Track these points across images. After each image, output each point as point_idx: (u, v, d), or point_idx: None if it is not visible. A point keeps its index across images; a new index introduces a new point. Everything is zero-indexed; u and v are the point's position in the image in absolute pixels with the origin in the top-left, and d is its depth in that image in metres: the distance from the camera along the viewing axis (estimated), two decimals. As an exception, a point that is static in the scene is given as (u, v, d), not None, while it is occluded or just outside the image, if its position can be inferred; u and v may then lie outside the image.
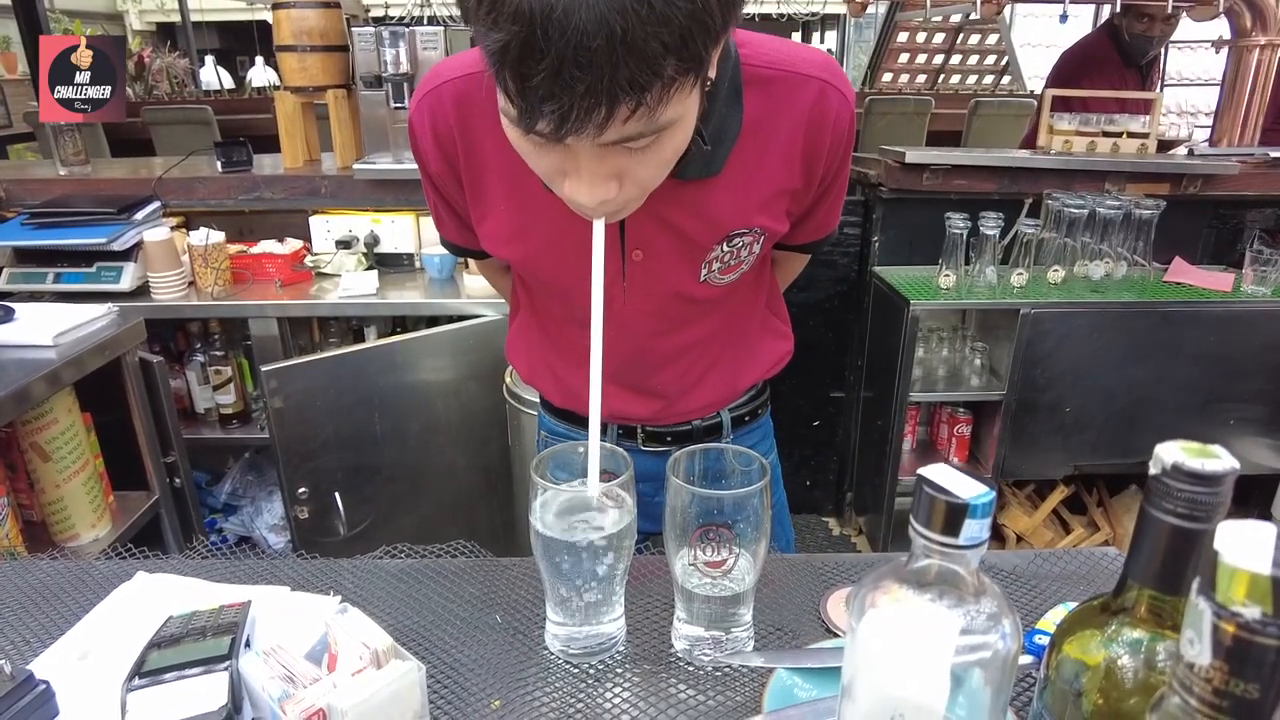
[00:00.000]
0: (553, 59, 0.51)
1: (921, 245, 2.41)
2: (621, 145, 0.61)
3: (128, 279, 2.10)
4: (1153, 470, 0.42)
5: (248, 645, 0.71)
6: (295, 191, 2.39)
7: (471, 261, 2.17)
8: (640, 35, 0.51)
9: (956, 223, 2.20)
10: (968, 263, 2.25)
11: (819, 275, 2.58)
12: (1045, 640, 0.73)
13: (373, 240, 2.32)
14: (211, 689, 0.64)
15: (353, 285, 2.16)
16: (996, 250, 2.21)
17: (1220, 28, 2.64)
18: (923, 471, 0.44)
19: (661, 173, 0.69)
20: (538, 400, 1.13)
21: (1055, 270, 2.26)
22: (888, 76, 6.29)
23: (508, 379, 1.98)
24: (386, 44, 2.23)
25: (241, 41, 10.17)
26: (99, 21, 9.55)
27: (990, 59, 6.29)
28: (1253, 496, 2.42)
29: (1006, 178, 2.37)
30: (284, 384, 1.85)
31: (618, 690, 0.72)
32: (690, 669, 0.75)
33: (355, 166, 2.31)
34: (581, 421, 1.06)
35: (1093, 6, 3.15)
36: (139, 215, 2.17)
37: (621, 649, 0.77)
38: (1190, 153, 2.55)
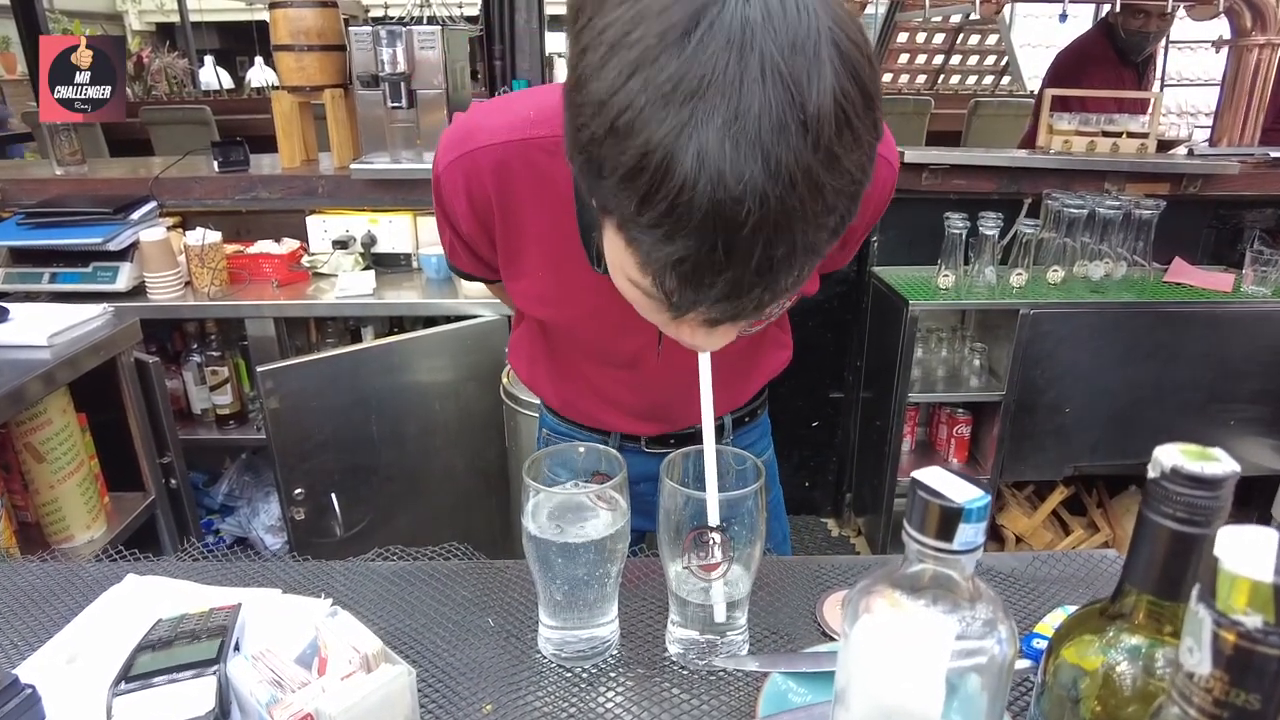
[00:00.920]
0: (734, 274, 0.49)
1: (921, 245, 2.40)
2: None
3: (124, 279, 2.09)
4: (1151, 473, 0.41)
5: (237, 649, 0.70)
6: (292, 191, 2.38)
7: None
8: (815, 238, 0.49)
9: (956, 223, 2.19)
10: (967, 263, 2.24)
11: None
12: (1043, 644, 0.72)
13: (370, 240, 2.31)
14: (200, 693, 0.63)
15: (350, 285, 2.15)
16: (996, 250, 2.20)
17: (1220, 27, 2.64)
18: (917, 475, 0.43)
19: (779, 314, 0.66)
20: (535, 400, 1.12)
21: (1055, 270, 2.25)
22: (887, 76, 6.27)
23: (505, 380, 1.97)
24: (384, 43, 2.22)
25: (241, 42, 10.17)
26: (98, 22, 9.55)
27: (990, 59, 6.28)
28: (1253, 498, 2.41)
29: (1006, 178, 2.37)
30: (280, 384, 1.84)
31: (611, 694, 0.71)
32: (684, 673, 0.74)
33: (352, 166, 2.31)
34: (583, 425, 1.05)
35: (1092, 6, 3.14)
36: (135, 215, 2.17)
37: (615, 652, 0.76)
38: (1190, 153, 2.54)
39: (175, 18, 9.86)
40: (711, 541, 0.69)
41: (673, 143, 0.45)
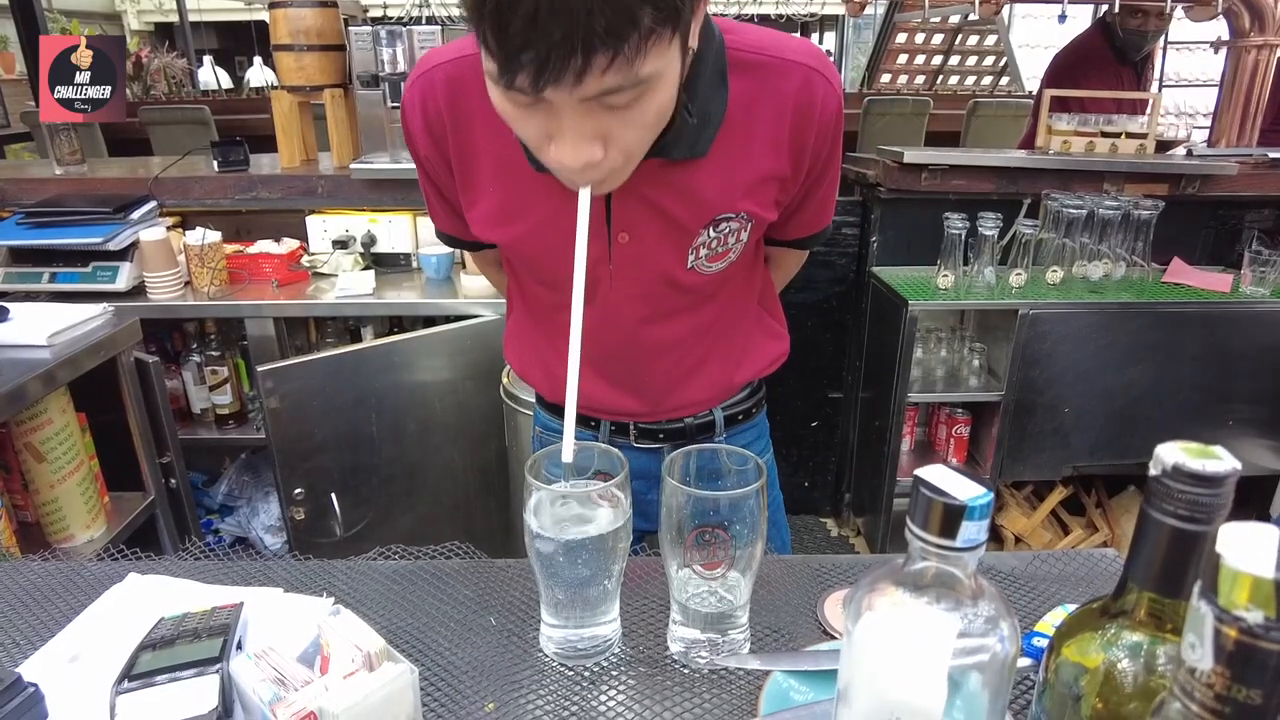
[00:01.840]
0: (528, 6, 0.53)
1: (920, 245, 2.41)
2: (603, 104, 0.61)
3: (123, 279, 2.09)
4: (1153, 471, 0.41)
5: (239, 647, 0.70)
6: (292, 191, 2.38)
7: (469, 260, 2.18)
8: None
9: (955, 223, 2.20)
10: (966, 263, 2.25)
11: (817, 276, 2.57)
12: (1044, 643, 0.73)
13: (369, 240, 2.31)
14: (202, 692, 0.63)
15: (349, 285, 2.15)
16: (995, 250, 2.21)
17: (1218, 29, 2.64)
18: (920, 472, 0.44)
19: (645, 138, 0.69)
20: (532, 400, 1.13)
21: (1054, 271, 2.26)
22: (886, 77, 6.29)
23: (505, 379, 1.97)
24: (384, 43, 2.23)
25: (240, 42, 10.17)
26: (97, 21, 9.54)
27: (989, 60, 6.29)
28: (1252, 497, 2.42)
29: (1005, 178, 2.37)
30: (280, 384, 1.84)
31: (613, 693, 0.72)
32: (686, 671, 0.74)
33: (352, 166, 2.31)
34: (577, 417, 1.05)
35: (1091, 6, 3.14)
36: (135, 215, 2.16)
37: (617, 651, 0.77)
38: (1189, 153, 2.54)
39: (174, 17, 9.85)
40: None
41: None
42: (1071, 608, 0.68)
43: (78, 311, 1.65)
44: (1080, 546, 2.43)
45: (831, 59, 0.88)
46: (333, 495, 1.94)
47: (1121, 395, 2.26)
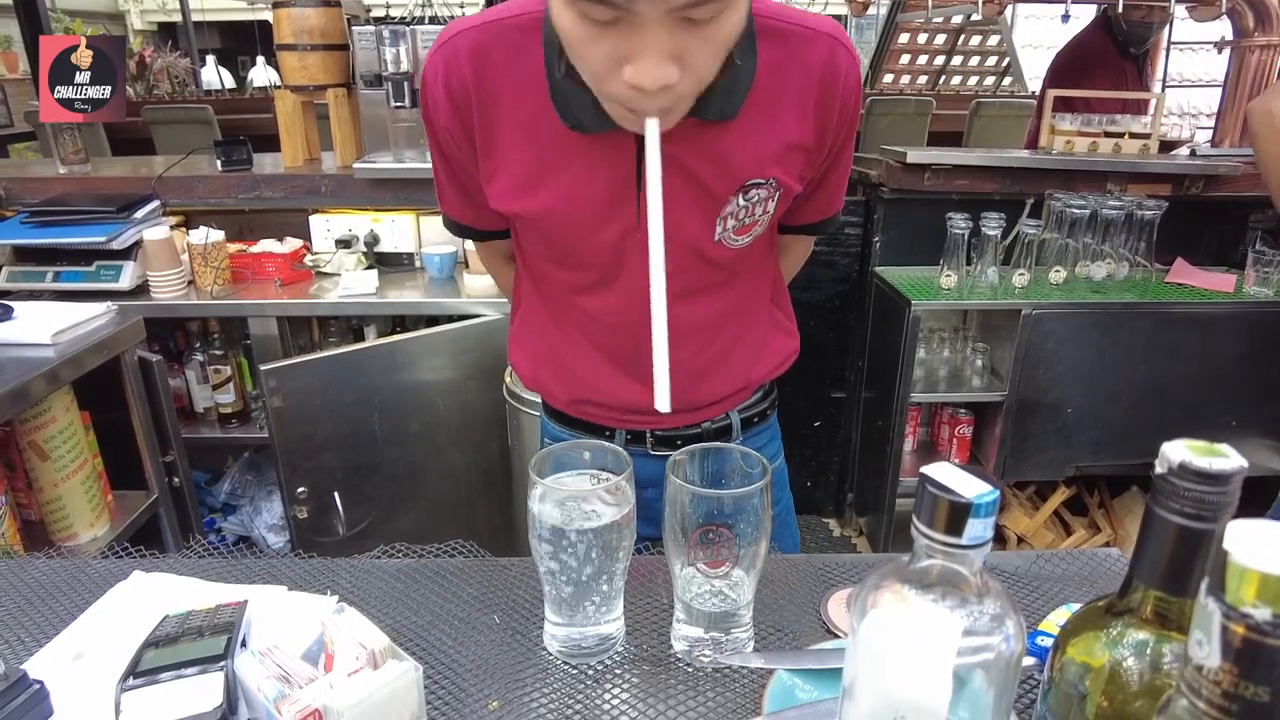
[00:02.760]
0: None
1: (923, 245, 2.41)
2: (686, 18, 0.61)
3: (127, 278, 2.09)
4: (1159, 469, 0.41)
5: (244, 645, 0.71)
6: (295, 190, 2.39)
7: (472, 260, 2.18)
8: None
9: (958, 223, 2.20)
10: (969, 263, 2.25)
11: (820, 276, 2.57)
12: (1047, 642, 0.73)
13: (372, 239, 2.32)
14: (207, 689, 0.63)
15: (352, 284, 2.16)
16: (998, 251, 2.20)
17: (1222, 29, 2.64)
18: (926, 470, 0.44)
19: (716, 61, 0.68)
20: (535, 400, 1.12)
21: (1057, 271, 2.25)
22: (889, 77, 6.28)
23: (507, 379, 1.97)
24: (387, 43, 2.23)
25: (243, 41, 10.18)
26: (100, 21, 9.56)
27: (991, 60, 6.28)
28: (1254, 499, 2.41)
29: (1008, 178, 2.37)
30: (283, 383, 1.84)
31: (617, 691, 0.72)
32: (690, 670, 0.74)
33: (355, 166, 2.31)
34: (586, 426, 1.04)
35: (1094, 6, 3.14)
36: (138, 214, 2.17)
37: (620, 650, 0.77)
38: (1192, 153, 2.54)
39: (177, 17, 9.87)
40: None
41: None
42: (1075, 607, 0.68)
43: (81, 310, 1.65)
44: (1083, 547, 2.42)
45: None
46: (335, 494, 1.95)
47: (1124, 396, 2.25)
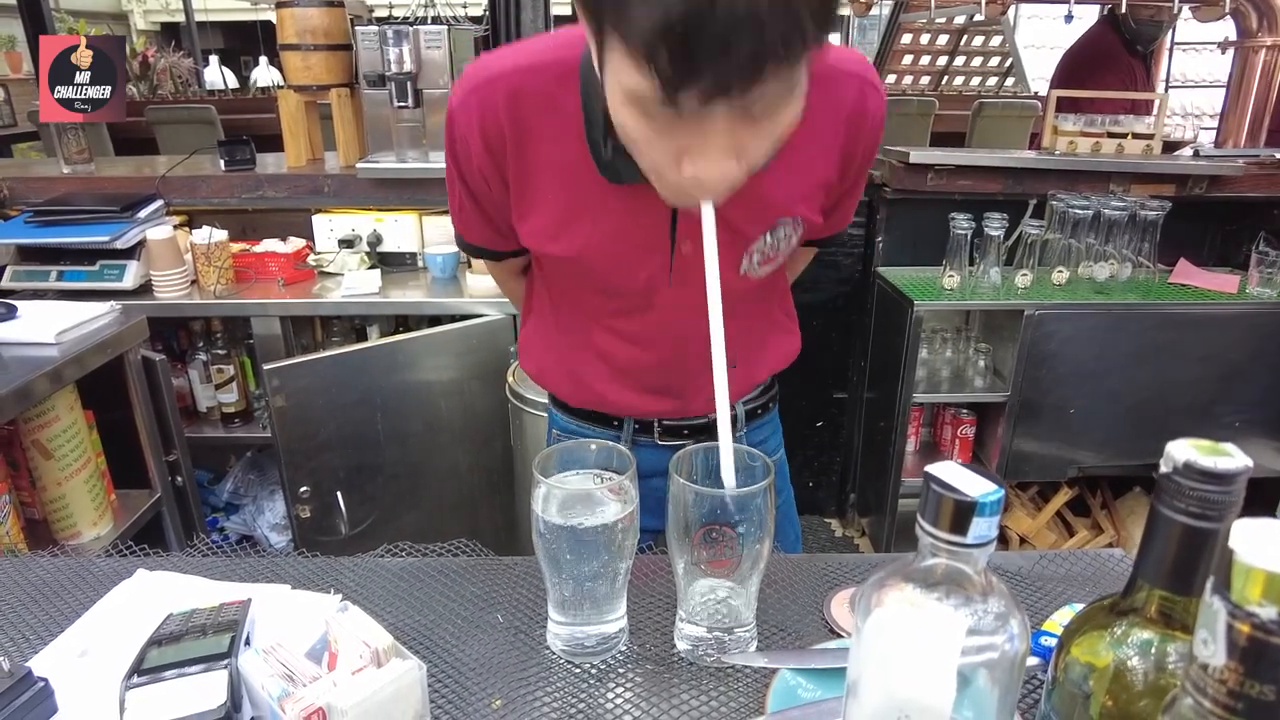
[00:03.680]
0: (722, 29, 0.52)
1: (925, 246, 2.40)
2: (749, 115, 0.61)
3: (130, 277, 2.10)
4: (1163, 468, 0.41)
5: (248, 643, 0.71)
6: (298, 190, 2.39)
7: (475, 261, 2.18)
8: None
9: (961, 223, 2.19)
10: (972, 263, 2.24)
11: (823, 276, 2.57)
12: (1050, 642, 0.73)
13: (375, 239, 2.32)
14: (211, 687, 0.63)
15: (355, 284, 2.16)
16: (1001, 251, 2.20)
17: (1225, 29, 2.64)
18: (930, 469, 0.44)
19: (772, 151, 0.68)
20: (541, 399, 1.13)
21: (1060, 271, 2.25)
22: (891, 78, 6.28)
23: (510, 378, 1.97)
24: (390, 43, 2.23)
25: (246, 41, 10.20)
26: (104, 21, 9.56)
27: (994, 60, 6.28)
28: (1258, 500, 2.41)
29: (1011, 178, 2.36)
30: (286, 383, 1.84)
31: (620, 690, 0.72)
32: (693, 669, 0.74)
33: (358, 165, 2.31)
34: (596, 418, 1.05)
35: (1097, 6, 3.14)
36: (142, 214, 2.17)
37: (623, 649, 0.77)
38: (1196, 154, 2.54)
39: (180, 17, 9.89)
40: (726, 528, 0.69)
41: None
42: (1079, 607, 0.68)
43: (85, 310, 1.65)
44: (1086, 548, 2.42)
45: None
46: (338, 493, 1.95)
47: (1127, 397, 2.25)
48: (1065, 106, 2.50)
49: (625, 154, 0.73)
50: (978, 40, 6.16)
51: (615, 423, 1.04)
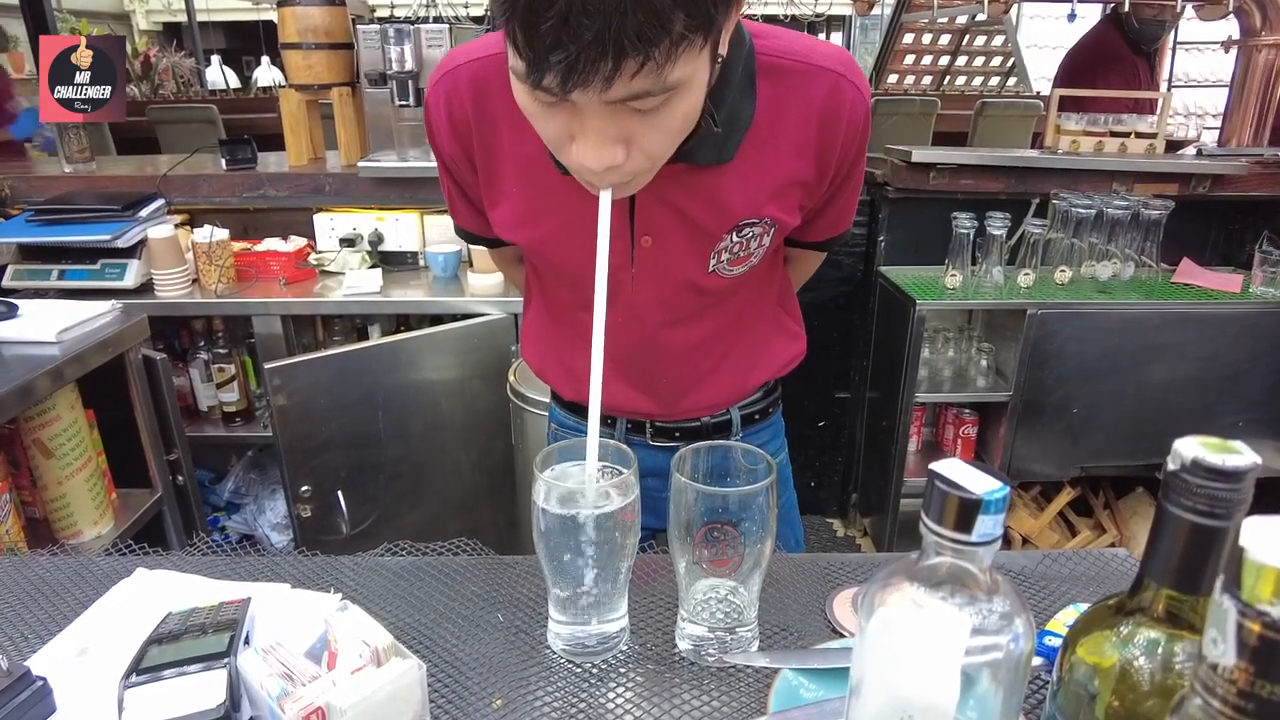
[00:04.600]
0: (561, 6, 0.52)
1: (928, 245, 2.40)
2: (629, 107, 0.61)
3: (132, 276, 2.10)
4: (1171, 466, 0.41)
5: (247, 642, 0.70)
6: (299, 189, 2.39)
7: (476, 259, 2.18)
8: None
9: (963, 223, 2.19)
10: (974, 263, 2.24)
11: (825, 275, 2.54)
12: (1054, 642, 0.72)
13: (377, 238, 2.32)
14: (210, 686, 0.63)
15: (357, 283, 2.16)
16: (1003, 250, 2.20)
17: (1228, 28, 2.63)
18: (935, 466, 0.43)
19: (669, 142, 0.68)
20: (542, 399, 1.13)
21: (1062, 271, 2.25)
22: (893, 78, 6.27)
23: (512, 377, 1.97)
24: (392, 42, 2.23)
25: (247, 41, 10.20)
26: (106, 21, 9.57)
27: (996, 60, 6.27)
28: (1260, 500, 2.40)
29: (1013, 178, 2.36)
30: (287, 382, 1.84)
31: (621, 690, 0.71)
32: (694, 669, 0.74)
33: (360, 164, 2.31)
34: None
35: (1099, 6, 3.13)
36: (143, 212, 2.17)
37: (624, 648, 0.76)
38: (1199, 153, 2.53)
39: (182, 17, 9.90)
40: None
41: None
42: (1083, 607, 0.67)
43: (86, 308, 1.65)
44: (1088, 548, 2.42)
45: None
46: (339, 493, 1.95)
47: (1130, 396, 2.25)
48: (1068, 105, 2.50)
49: None
50: (980, 40, 6.15)
51: (609, 421, 1.04)
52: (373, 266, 2.29)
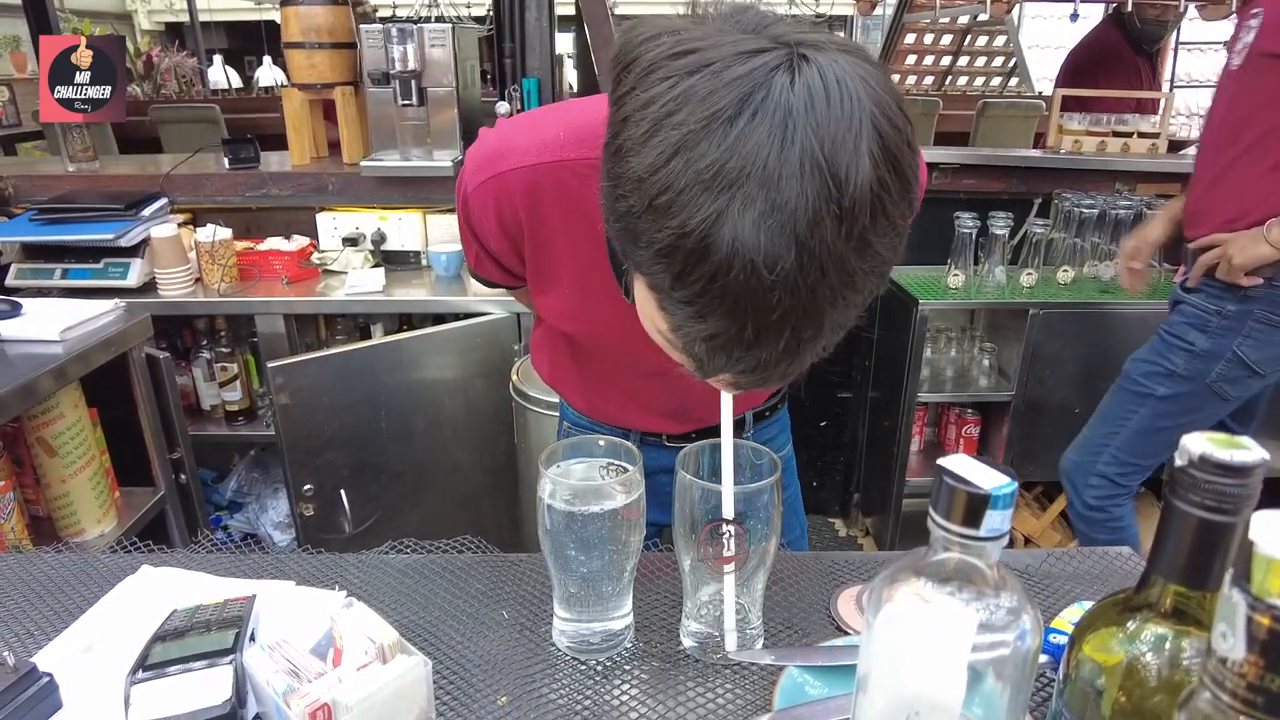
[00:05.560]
0: (762, 353, 0.50)
1: (930, 245, 2.39)
2: None
3: (135, 275, 2.10)
4: (1179, 461, 0.41)
5: (252, 639, 0.70)
6: (302, 188, 2.39)
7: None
8: (843, 317, 0.51)
9: (965, 222, 2.19)
10: (976, 263, 2.24)
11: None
12: (1060, 640, 0.72)
13: (380, 237, 2.32)
14: (216, 682, 0.63)
15: (359, 282, 2.16)
16: (1005, 250, 2.20)
17: (1230, 29, 2.62)
18: (943, 461, 0.43)
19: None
20: (543, 398, 1.13)
21: (1065, 271, 2.24)
22: (895, 77, 6.27)
23: (514, 376, 1.97)
24: (394, 41, 2.23)
25: (249, 41, 10.21)
26: (108, 21, 9.58)
27: (998, 60, 6.27)
28: (1267, 501, 2.40)
29: (1015, 177, 2.36)
30: (290, 381, 1.84)
31: (625, 687, 0.71)
32: (699, 666, 0.74)
33: (362, 164, 2.31)
34: (607, 428, 1.05)
35: (1101, 5, 3.13)
36: (146, 212, 2.17)
37: (629, 645, 0.76)
38: (1201, 153, 2.52)
39: (184, 17, 9.91)
40: (727, 535, 0.68)
41: (709, 228, 0.46)
42: (1088, 605, 0.67)
43: (89, 307, 1.65)
44: (1091, 547, 2.42)
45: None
46: (342, 492, 1.95)
47: (1133, 396, 2.24)
48: (1071, 105, 2.50)
49: None
50: (982, 40, 6.14)
51: (624, 433, 1.04)
52: (375, 266, 2.29)
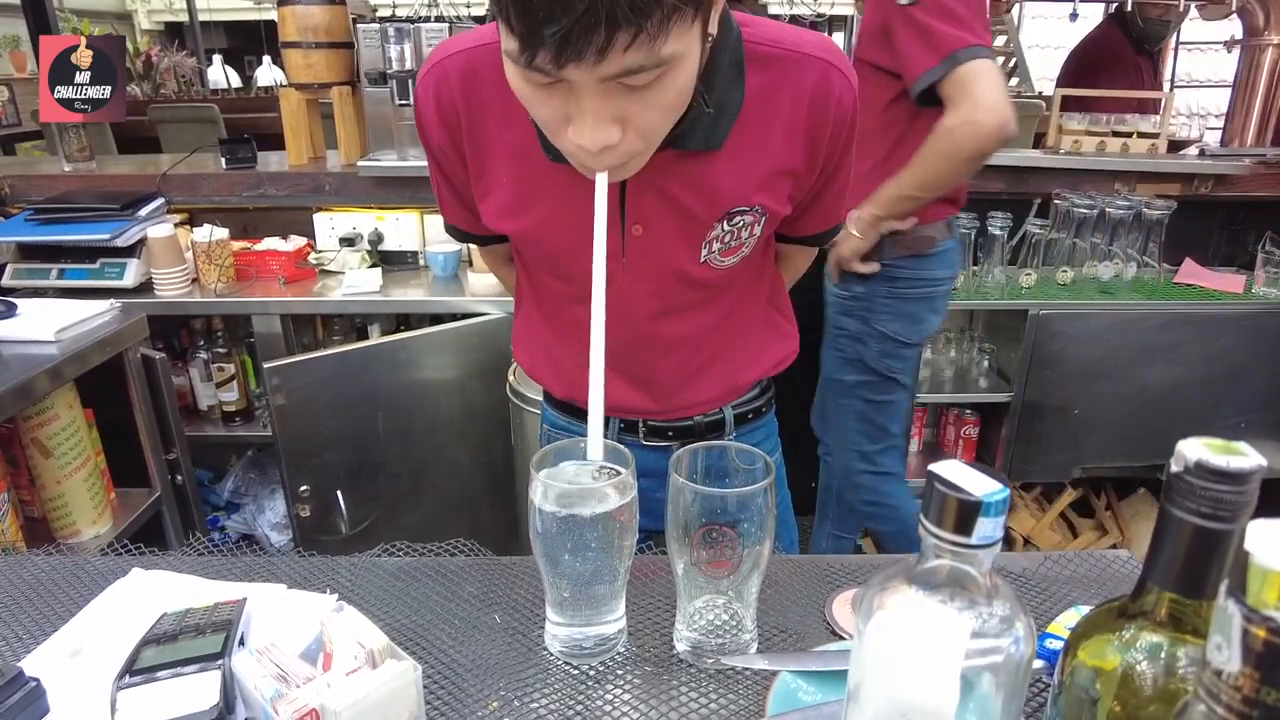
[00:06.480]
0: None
1: (929, 245, 2.39)
2: (623, 84, 0.61)
3: (131, 275, 2.09)
4: (1174, 467, 0.40)
5: (242, 643, 0.70)
6: (299, 188, 2.39)
7: (476, 258, 2.17)
8: None
9: (964, 222, 2.18)
10: (975, 263, 2.23)
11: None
12: (1055, 645, 0.72)
13: (377, 238, 2.31)
14: (204, 687, 0.63)
15: (356, 283, 2.15)
16: (1004, 250, 2.19)
17: (1231, 29, 2.62)
18: (934, 468, 0.43)
19: (664, 121, 0.68)
20: (539, 399, 1.12)
21: (1064, 271, 2.24)
22: (895, 77, 6.26)
23: (511, 377, 1.97)
24: (392, 41, 2.22)
25: (249, 41, 10.21)
26: (108, 20, 9.57)
27: (998, 60, 6.27)
28: (1265, 502, 2.39)
29: (1015, 177, 2.35)
30: (287, 381, 1.84)
31: (618, 692, 0.71)
32: (692, 671, 0.73)
33: (360, 164, 2.31)
34: (584, 414, 1.04)
35: (1101, 5, 3.13)
36: (143, 212, 2.17)
37: (622, 650, 0.76)
38: (1201, 153, 2.52)
39: (184, 17, 9.91)
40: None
41: None
42: (1085, 609, 0.67)
43: (85, 308, 1.65)
44: (1089, 549, 2.41)
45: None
46: (339, 492, 1.94)
47: (1132, 397, 2.24)
48: (1071, 105, 2.49)
49: None
50: (982, 40, 6.14)
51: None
52: (372, 266, 2.29)
